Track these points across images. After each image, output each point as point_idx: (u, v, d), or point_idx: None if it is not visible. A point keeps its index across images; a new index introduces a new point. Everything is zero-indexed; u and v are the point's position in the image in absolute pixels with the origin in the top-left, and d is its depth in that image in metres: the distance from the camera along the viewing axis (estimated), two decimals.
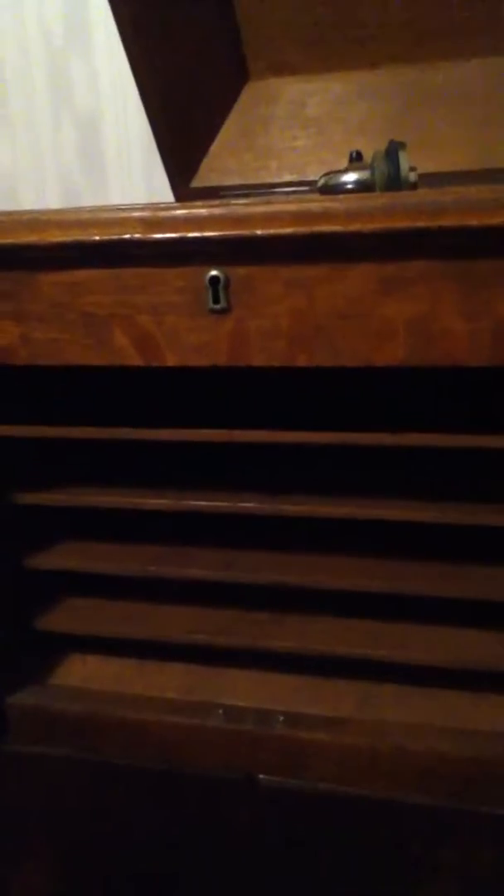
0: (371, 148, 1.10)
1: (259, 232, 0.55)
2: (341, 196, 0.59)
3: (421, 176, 1.08)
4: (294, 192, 1.06)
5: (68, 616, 0.74)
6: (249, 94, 1.15)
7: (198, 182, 1.15)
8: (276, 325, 0.58)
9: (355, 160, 0.96)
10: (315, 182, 1.09)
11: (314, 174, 1.11)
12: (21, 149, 1.29)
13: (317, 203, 0.55)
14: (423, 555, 0.69)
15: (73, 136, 1.28)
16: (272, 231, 0.55)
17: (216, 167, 1.15)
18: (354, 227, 0.53)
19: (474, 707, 0.68)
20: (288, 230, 0.55)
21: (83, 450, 0.70)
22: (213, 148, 1.15)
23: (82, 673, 0.74)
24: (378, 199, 0.53)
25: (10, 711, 0.71)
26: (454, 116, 1.08)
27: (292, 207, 0.55)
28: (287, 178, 1.12)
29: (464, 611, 0.68)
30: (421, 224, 0.52)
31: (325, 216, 0.54)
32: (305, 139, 1.13)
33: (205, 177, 1.15)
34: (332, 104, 1.12)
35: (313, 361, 0.58)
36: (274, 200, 0.56)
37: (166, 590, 0.74)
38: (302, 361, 0.58)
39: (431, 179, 1.08)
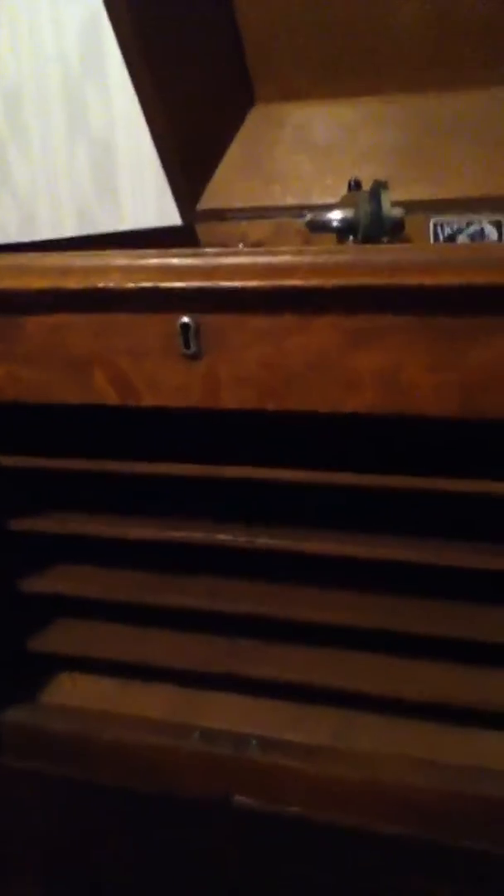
0: (376, 175, 1.11)
1: (226, 284, 0.57)
2: (309, 248, 0.60)
3: (427, 203, 1.10)
4: (298, 217, 1.08)
5: (59, 638, 0.77)
6: (256, 119, 1.17)
7: (204, 204, 1.17)
8: (245, 371, 0.60)
9: (354, 189, 0.98)
10: (319, 207, 1.11)
11: (318, 199, 1.13)
12: (38, 171, 1.33)
13: (281, 257, 0.56)
14: (399, 591, 0.70)
15: (87, 158, 1.31)
16: (238, 283, 0.57)
17: (222, 190, 1.17)
18: (316, 282, 0.55)
19: (447, 740, 0.69)
20: (253, 283, 0.57)
21: (77, 480, 0.73)
22: (220, 171, 1.17)
23: (72, 692, 0.77)
24: (339, 256, 0.55)
25: (1, 728, 0.75)
26: (460, 144, 1.09)
27: (257, 260, 0.57)
28: (291, 202, 1.14)
29: (439, 646, 0.69)
30: (380, 282, 0.54)
31: (289, 270, 0.56)
32: (310, 164, 1.14)
33: (211, 199, 1.17)
34: (337, 130, 1.14)
35: (282, 407, 0.60)
36: (241, 252, 0.58)
37: (154, 614, 0.76)
38: (271, 406, 0.60)
39: (438, 206, 1.09)
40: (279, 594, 0.72)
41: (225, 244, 1.13)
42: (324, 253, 0.56)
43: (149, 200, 1.32)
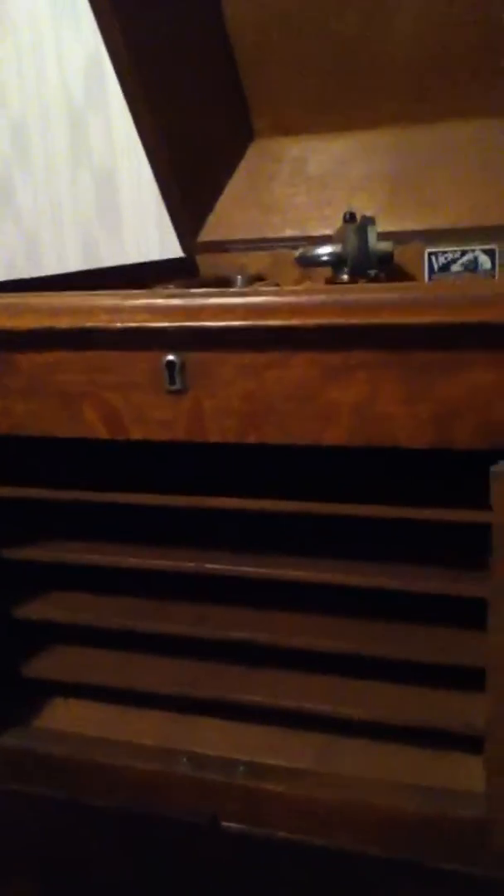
0: (371, 206, 1.14)
1: (209, 323, 0.60)
2: (289, 289, 0.63)
3: (421, 233, 1.13)
4: (296, 247, 1.10)
5: (53, 663, 0.79)
6: (255, 153, 1.20)
7: (205, 236, 1.20)
8: (228, 405, 0.62)
9: (349, 220, 1.00)
10: (316, 237, 1.14)
11: (315, 230, 1.16)
12: (42, 201, 1.36)
13: (262, 297, 0.59)
14: (382, 617, 0.72)
15: (90, 188, 1.35)
16: (222, 323, 0.59)
17: (222, 222, 1.20)
18: (295, 321, 0.57)
19: (430, 764, 0.70)
20: (235, 322, 0.59)
21: (70, 510, 0.75)
22: (220, 204, 1.20)
23: (65, 717, 0.79)
24: (316, 297, 0.57)
25: None
26: (452, 175, 1.12)
27: (239, 301, 0.59)
28: (289, 233, 1.17)
29: (423, 672, 0.70)
30: (356, 321, 0.56)
31: (270, 310, 0.58)
32: (307, 196, 1.17)
33: (211, 231, 1.20)
34: (333, 162, 1.17)
35: (263, 439, 0.62)
36: (225, 293, 0.60)
37: (145, 640, 0.78)
38: (253, 439, 0.63)
39: (432, 236, 1.12)
40: (266, 621, 0.74)
41: (225, 275, 1.16)
42: (303, 293, 0.58)
43: (151, 229, 1.35)
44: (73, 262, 1.39)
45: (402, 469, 0.73)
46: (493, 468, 0.56)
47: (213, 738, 0.75)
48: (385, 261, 0.96)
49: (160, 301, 0.61)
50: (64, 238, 1.39)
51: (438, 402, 0.57)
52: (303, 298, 0.58)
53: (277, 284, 1.15)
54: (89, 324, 0.62)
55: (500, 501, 0.56)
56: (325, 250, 0.90)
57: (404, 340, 0.56)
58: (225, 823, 0.72)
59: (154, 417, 0.64)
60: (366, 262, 0.88)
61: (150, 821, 0.74)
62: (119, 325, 0.61)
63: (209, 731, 0.76)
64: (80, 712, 0.79)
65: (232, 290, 0.60)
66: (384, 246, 0.91)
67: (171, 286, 0.99)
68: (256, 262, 1.18)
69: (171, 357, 0.62)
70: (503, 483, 0.55)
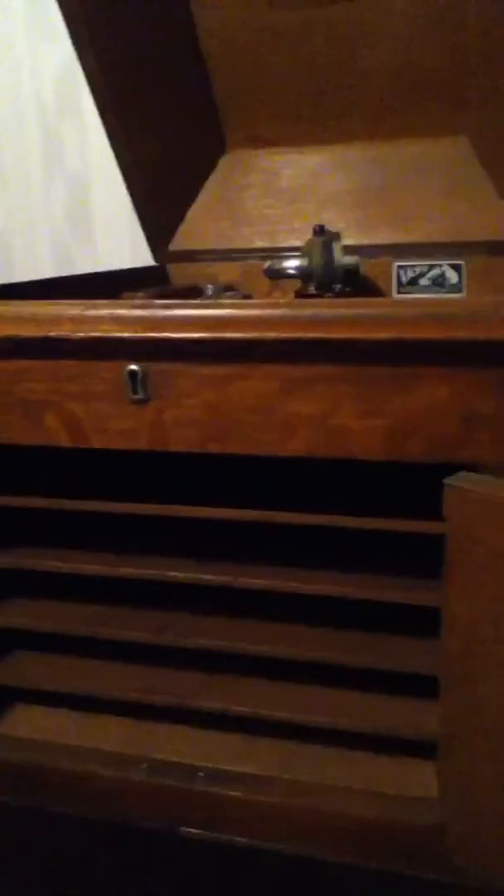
0: (341, 219, 1.16)
1: (172, 335, 0.60)
2: (250, 302, 0.64)
3: (390, 247, 1.14)
4: (266, 258, 1.12)
5: (14, 670, 0.79)
6: (227, 164, 1.21)
7: (176, 246, 1.21)
8: (190, 415, 0.63)
9: (318, 234, 1.02)
10: (286, 249, 1.15)
11: (285, 242, 1.17)
12: (15, 208, 1.36)
13: (224, 310, 0.60)
14: (344, 625, 0.73)
15: (63, 196, 1.35)
16: (184, 334, 0.60)
17: (193, 232, 1.21)
18: (255, 334, 0.59)
19: (387, 771, 0.71)
20: (197, 334, 0.60)
21: (33, 517, 0.75)
22: (191, 214, 1.21)
23: (26, 724, 0.79)
24: (276, 311, 0.58)
25: None
26: (420, 190, 1.14)
27: (201, 313, 0.60)
28: (260, 244, 1.18)
29: (381, 679, 0.72)
30: (314, 335, 0.57)
31: (231, 323, 0.59)
32: (278, 208, 1.19)
33: (182, 241, 1.21)
34: (304, 176, 1.18)
35: (224, 449, 0.63)
36: (188, 304, 0.61)
37: (106, 647, 0.78)
38: (214, 449, 0.63)
39: (400, 250, 1.14)
40: (227, 628, 0.74)
41: (196, 285, 1.17)
42: (264, 307, 0.59)
43: (123, 238, 1.36)
44: (46, 271, 1.40)
45: (370, 481, 0.75)
46: (446, 481, 0.58)
47: (173, 745, 0.76)
48: (351, 275, 0.97)
49: (123, 311, 0.62)
50: (37, 246, 1.40)
51: (392, 415, 0.58)
52: (263, 312, 0.59)
53: (248, 295, 1.16)
54: (53, 333, 0.63)
55: (453, 513, 0.57)
56: (291, 264, 0.91)
57: (360, 355, 0.57)
58: (184, 829, 0.72)
59: (116, 427, 0.65)
60: (331, 276, 0.90)
61: (110, 827, 0.74)
62: (82, 334, 0.62)
63: (170, 737, 0.77)
64: (41, 719, 0.80)
65: (194, 301, 0.61)
66: (350, 260, 0.93)
67: (141, 295, 1.00)
68: (227, 272, 1.19)
69: (133, 367, 0.63)
70: (455, 495, 0.56)
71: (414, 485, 0.70)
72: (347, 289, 0.94)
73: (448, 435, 0.57)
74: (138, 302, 0.63)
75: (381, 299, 0.57)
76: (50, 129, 1.34)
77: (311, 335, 0.57)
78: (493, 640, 0.56)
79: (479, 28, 0.96)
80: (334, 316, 0.57)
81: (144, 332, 0.61)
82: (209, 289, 1.15)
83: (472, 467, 0.58)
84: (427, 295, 1.13)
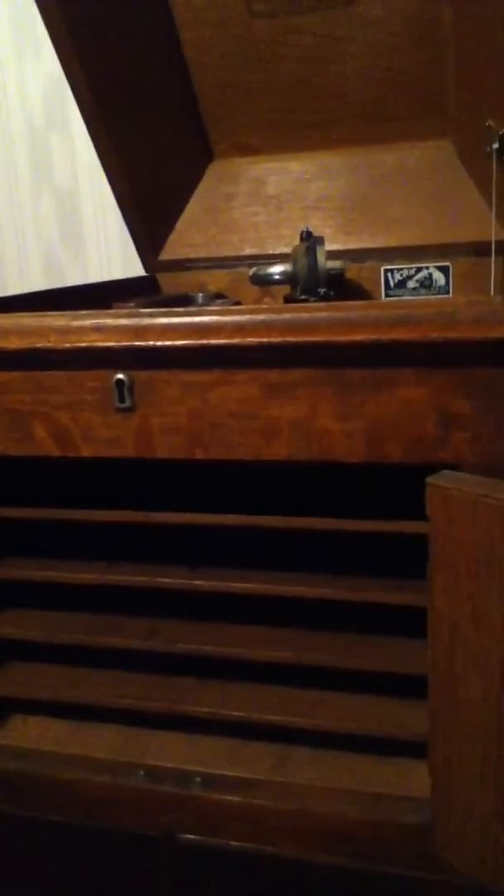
0: (327, 225, 1.17)
1: (156, 343, 0.61)
2: (233, 308, 0.65)
3: (376, 251, 1.15)
4: (254, 265, 1.13)
5: (7, 680, 0.79)
6: (214, 173, 1.22)
7: (166, 255, 1.22)
8: (175, 422, 0.64)
9: (306, 238, 1.03)
10: (275, 255, 1.16)
11: (273, 248, 1.18)
12: (4, 221, 1.38)
13: (207, 317, 0.61)
14: (333, 627, 0.73)
15: (52, 208, 1.36)
16: (168, 342, 0.61)
17: (182, 241, 1.22)
18: (237, 339, 0.59)
19: (378, 771, 0.72)
20: (181, 342, 0.61)
21: (23, 526, 0.76)
22: (180, 223, 1.22)
23: (22, 733, 0.80)
24: (258, 315, 0.59)
25: None
26: (404, 195, 1.14)
27: (185, 321, 0.61)
28: (248, 251, 1.19)
29: (370, 681, 0.72)
30: (294, 339, 0.58)
31: (214, 329, 0.60)
32: (265, 215, 1.20)
33: (172, 250, 1.22)
34: (290, 183, 1.19)
35: (209, 455, 0.64)
36: (171, 312, 0.62)
37: (99, 655, 0.79)
38: (199, 455, 0.64)
39: (387, 253, 1.15)
40: (217, 633, 0.75)
41: (186, 293, 1.18)
42: (243, 313, 0.60)
43: (114, 249, 1.37)
44: (37, 283, 1.41)
45: (358, 483, 0.75)
46: (428, 479, 0.58)
47: (167, 750, 0.76)
48: (336, 279, 0.98)
49: (109, 321, 0.63)
50: (27, 258, 1.41)
51: (371, 418, 0.59)
52: (244, 318, 0.59)
53: (238, 302, 1.17)
54: (39, 344, 0.63)
55: (435, 512, 0.58)
56: (276, 270, 0.92)
57: (339, 358, 0.58)
58: (181, 835, 0.73)
59: (104, 435, 0.66)
60: (316, 280, 0.90)
61: (104, 835, 0.75)
62: (69, 345, 0.63)
63: (163, 742, 0.77)
64: (35, 728, 0.80)
65: (177, 310, 0.62)
66: (334, 264, 0.94)
67: (132, 305, 1.01)
68: (217, 280, 1.20)
69: (120, 376, 0.63)
70: (437, 494, 0.57)
71: (399, 486, 0.71)
72: (332, 293, 0.95)
73: (426, 435, 0.58)
74: (123, 311, 0.64)
75: (357, 302, 0.58)
76: (38, 142, 1.35)
77: (289, 339, 0.58)
78: (473, 638, 0.57)
79: (455, 34, 0.97)
80: (312, 319, 0.57)
81: (129, 340, 0.62)
82: (199, 297, 1.16)
83: (454, 466, 0.59)
84: (414, 297, 1.14)
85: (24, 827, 0.77)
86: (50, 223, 1.37)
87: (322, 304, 0.58)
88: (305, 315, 0.58)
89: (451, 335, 0.54)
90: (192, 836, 0.73)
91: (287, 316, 0.58)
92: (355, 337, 0.56)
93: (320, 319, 0.57)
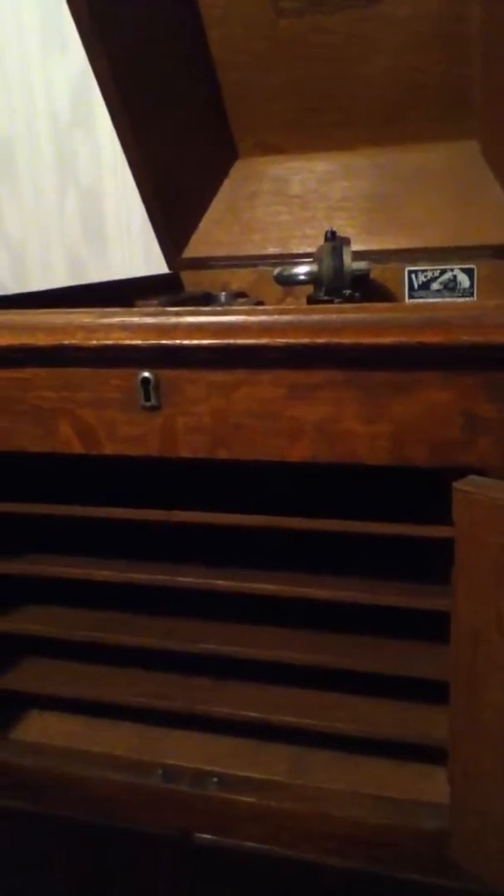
0: (351, 225, 1.17)
1: (183, 342, 0.61)
2: (258, 308, 0.64)
3: (400, 252, 1.15)
4: (277, 264, 1.12)
5: (28, 676, 0.80)
6: (238, 172, 1.22)
7: (189, 253, 1.22)
8: (199, 422, 0.64)
9: (330, 238, 1.02)
10: (299, 255, 1.16)
11: (296, 248, 1.18)
12: (29, 219, 1.38)
13: (233, 316, 0.60)
14: (354, 630, 0.73)
15: (77, 207, 1.36)
16: (194, 341, 0.61)
17: (206, 240, 1.22)
18: (264, 340, 0.59)
19: (395, 776, 0.72)
20: (207, 341, 0.61)
21: (44, 523, 0.76)
22: (203, 222, 1.22)
23: (40, 730, 0.80)
24: (286, 316, 0.59)
25: None
26: (429, 195, 1.14)
27: (212, 320, 0.61)
28: (271, 250, 1.19)
29: (389, 684, 0.72)
30: (321, 340, 0.58)
31: (241, 329, 0.60)
32: (289, 215, 1.19)
33: (195, 248, 1.22)
34: (314, 182, 1.19)
35: (232, 455, 0.64)
36: (198, 311, 0.62)
37: (118, 653, 0.79)
38: (222, 455, 0.64)
39: (411, 255, 1.14)
40: (237, 634, 0.75)
41: (209, 292, 1.18)
42: (270, 313, 0.60)
43: (137, 247, 1.37)
44: (61, 280, 1.41)
45: (384, 485, 0.75)
46: (455, 485, 0.58)
47: (184, 750, 0.76)
48: (361, 280, 0.97)
49: (135, 319, 0.62)
50: (51, 256, 1.41)
51: (395, 420, 0.58)
52: (271, 318, 0.59)
53: (260, 302, 1.17)
54: (66, 341, 0.63)
55: (461, 517, 0.57)
56: (301, 270, 0.92)
57: (365, 360, 0.57)
58: (197, 835, 0.73)
59: (128, 433, 0.66)
60: (341, 281, 0.90)
61: (120, 833, 0.75)
62: (95, 342, 0.63)
63: (181, 742, 0.77)
64: (53, 724, 0.80)
65: (204, 308, 0.62)
66: (359, 265, 0.93)
67: (154, 302, 1.01)
68: (239, 279, 1.20)
69: (146, 374, 0.63)
70: (462, 499, 0.56)
71: (423, 490, 0.71)
72: (357, 294, 0.94)
73: (451, 439, 0.58)
74: (149, 310, 0.64)
75: (383, 304, 0.58)
76: (63, 142, 1.35)
77: (316, 341, 0.57)
78: (496, 644, 0.57)
79: (482, 32, 0.97)
80: (339, 321, 0.57)
81: (156, 339, 0.62)
82: (222, 296, 1.16)
83: (479, 471, 0.58)
84: (439, 299, 1.14)
85: (39, 824, 0.78)
86: (74, 221, 1.37)
87: (350, 307, 0.58)
88: (334, 317, 0.57)
89: (479, 339, 0.53)
90: (207, 836, 0.73)
91: (316, 317, 0.58)
92: (383, 340, 0.56)
93: (349, 321, 0.57)
